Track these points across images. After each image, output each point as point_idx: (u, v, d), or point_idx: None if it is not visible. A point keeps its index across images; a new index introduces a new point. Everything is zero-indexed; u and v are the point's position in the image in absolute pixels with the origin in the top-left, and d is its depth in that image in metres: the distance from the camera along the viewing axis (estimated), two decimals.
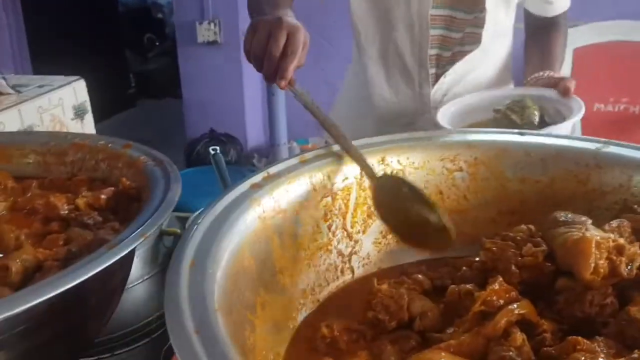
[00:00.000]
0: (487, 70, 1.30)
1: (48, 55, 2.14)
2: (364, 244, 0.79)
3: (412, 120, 1.30)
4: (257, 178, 0.71)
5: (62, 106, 1.60)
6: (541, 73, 1.24)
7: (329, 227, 0.76)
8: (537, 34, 1.33)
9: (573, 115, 1.06)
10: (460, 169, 0.80)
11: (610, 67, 2.51)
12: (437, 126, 1.11)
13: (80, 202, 0.79)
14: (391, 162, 0.78)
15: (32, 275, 0.65)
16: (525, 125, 1.09)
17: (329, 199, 0.75)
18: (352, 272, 0.78)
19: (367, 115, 1.34)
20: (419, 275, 0.70)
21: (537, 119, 1.10)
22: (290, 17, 0.87)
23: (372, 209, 0.77)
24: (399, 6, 1.21)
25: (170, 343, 1.06)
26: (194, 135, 3.14)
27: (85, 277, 0.53)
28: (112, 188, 0.82)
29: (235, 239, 0.62)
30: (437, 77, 1.27)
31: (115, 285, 0.71)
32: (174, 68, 3.66)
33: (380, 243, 0.80)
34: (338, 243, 0.76)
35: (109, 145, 0.92)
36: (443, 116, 1.15)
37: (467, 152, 0.80)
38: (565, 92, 1.13)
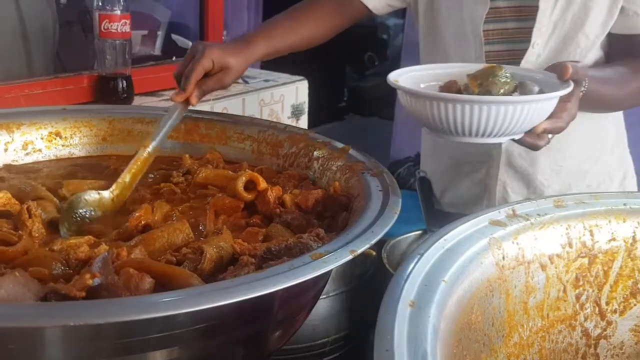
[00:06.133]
0: None
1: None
2: (618, 329, 0.60)
3: None
4: (500, 214, 0.57)
5: (282, 103, 1.60)
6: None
7: (578, 297, 0.58)
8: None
9: (548, 92, 0.81)
10: None
11: None
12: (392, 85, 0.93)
13: (288, 198, 0.72)
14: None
15: (225, 267, 0.58)
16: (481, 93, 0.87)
17: (586, 260, 0.58)
18: None
19: None
20: None
21: (498, 92, 0.86)
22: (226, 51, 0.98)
23: None
24: None
25: None
26: (398, 157, 3.05)
27: (286, 285, 0.44)
28: (322, 190, 0.73)
29: (465, 285, 0.49)
30: None
31: (307, 300, 0.62)
32: (388, 89, 3.62)
33: None
34: (585, 320, 0.59)
35: (327, 144, 0.85)
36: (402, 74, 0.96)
37: None
38: (561, 74, 0.84)
